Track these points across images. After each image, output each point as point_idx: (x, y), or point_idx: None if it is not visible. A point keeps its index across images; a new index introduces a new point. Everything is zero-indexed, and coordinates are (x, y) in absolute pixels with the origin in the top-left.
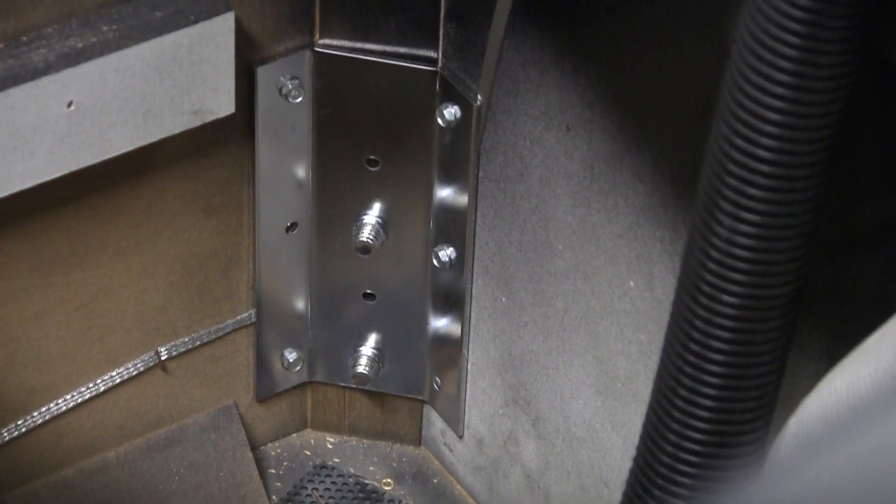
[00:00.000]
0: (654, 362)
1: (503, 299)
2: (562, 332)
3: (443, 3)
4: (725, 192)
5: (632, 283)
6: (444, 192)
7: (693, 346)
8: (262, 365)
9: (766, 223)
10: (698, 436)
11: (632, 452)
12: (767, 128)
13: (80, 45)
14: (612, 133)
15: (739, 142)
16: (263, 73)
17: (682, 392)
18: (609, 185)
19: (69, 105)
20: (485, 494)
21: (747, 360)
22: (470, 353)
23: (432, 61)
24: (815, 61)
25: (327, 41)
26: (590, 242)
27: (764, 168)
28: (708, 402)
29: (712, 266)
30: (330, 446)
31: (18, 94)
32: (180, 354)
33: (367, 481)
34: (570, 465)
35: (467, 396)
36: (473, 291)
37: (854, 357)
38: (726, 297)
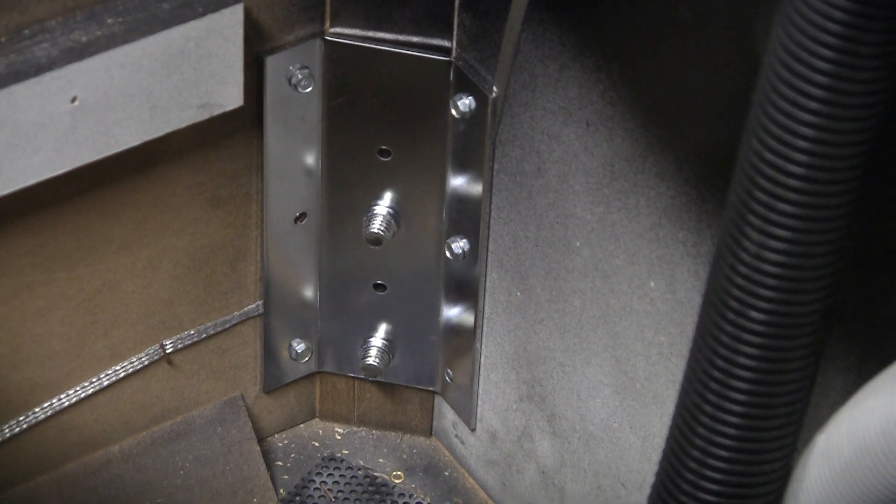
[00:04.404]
0: (675, 365)
1: (518, 294)
2: (579, 331)
3: None
4: (755, 207)
5: (652, 284)
6: (458, 184)
7: (719, 362)
8: (269, 356)
9: (796, 239)
10: (723, 452)
11: (650, 454)
12: (799, 142)
13: (84, 38)
14: (634, 132)
15: (770, 156)
16: (272, 63)
17: (707, 408)
18: (630, 184)
19: (73, 101)
20: (498, 489)
21: (774, 378)
22: (483, 346)
23: (446, 51)
24: (851, 76)
25: (338, 30)
26: (609, 241)
27: (795, 183)
28: (733, 419)
29: (740, 281)
30: (339, 437)
31: (21, 91)
32: (186, 347)
33: (376, 474)
34: (587, 463)
35: (480, 390)
36: (487, 285)
37: (887, 377)
38: (754, 314)
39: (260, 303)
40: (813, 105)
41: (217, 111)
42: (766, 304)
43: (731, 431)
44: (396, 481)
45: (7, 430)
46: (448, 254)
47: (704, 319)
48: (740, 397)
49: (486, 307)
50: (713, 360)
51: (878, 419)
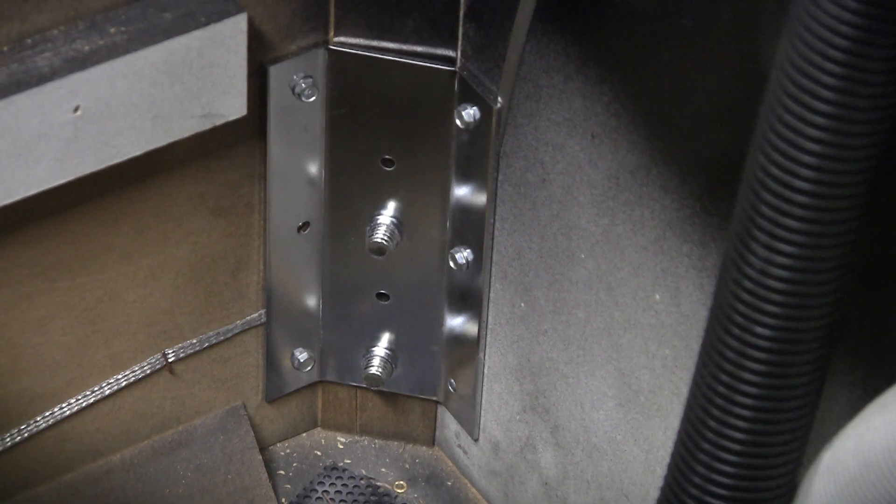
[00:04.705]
0: (679, 378)
1: (522, 305)
2: (583, 342)
3: (462, 1)
4: (760, 222)
5: (657, 297)
6: (462, 194)
7: (724, 378)
8: (271, 365)
9: (802, 255)
10: (728, 468)
11: (654, 467)
12: (806, 158)
13: (86, 48)
14: (639, 144)
15: (776, 171)
16: (276, 72)
17: (712, 423)
18: (635, 196)
19: (75, 110)
20: (500, 500)
21: (780, 393)
22: (486, 357)
23: (451, 61)
24: (858, 90)
25: (342, 39)
26: (614, 253)
27: (801, 199)
28: (738, 435)
29: (745, 296)
30: (341, 447)
31: (23, 101)
32: (188, 356)
33: (379, 484)
34: (590, 475)
35: (483, 400)
36: (491, 295)
37: (893, 394)
38: (759, 329)
39: (262, 312)
40: (819, 120)
41: (220, 121)
42: (772, 319)
43: (736, 447)
44: (399, 491)
45: (8, 439)
46: (451, 264)
47: (710, 334)
48: (745, 413)
49: (489, 318)
50: (718, 375)
51: (884, 436)
